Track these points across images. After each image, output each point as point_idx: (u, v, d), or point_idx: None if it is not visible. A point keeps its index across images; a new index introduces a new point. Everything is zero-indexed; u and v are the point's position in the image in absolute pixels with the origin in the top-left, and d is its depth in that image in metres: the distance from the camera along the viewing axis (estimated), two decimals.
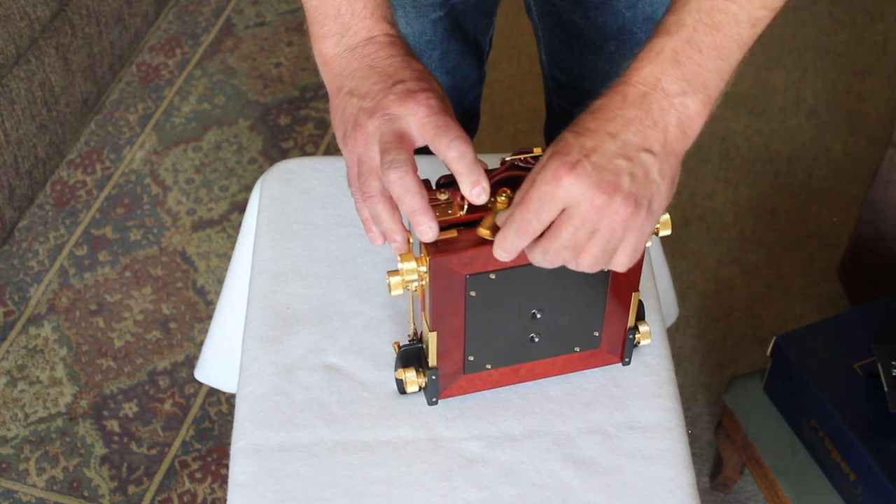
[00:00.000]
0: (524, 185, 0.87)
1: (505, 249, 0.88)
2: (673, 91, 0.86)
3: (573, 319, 1.00)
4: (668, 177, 0.87)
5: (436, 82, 0.92)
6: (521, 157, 0.93)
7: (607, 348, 1.05)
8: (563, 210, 0.85)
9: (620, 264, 0.88)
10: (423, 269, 0.92)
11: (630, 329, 1.04)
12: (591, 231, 0.85)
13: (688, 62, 0.86)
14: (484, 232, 0.91)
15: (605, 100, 0.87)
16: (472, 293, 0.94)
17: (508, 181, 0.92)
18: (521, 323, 0.99)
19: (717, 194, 2.10)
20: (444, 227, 0.91)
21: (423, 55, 1.27)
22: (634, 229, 0.86)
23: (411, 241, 0.93)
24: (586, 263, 0.87)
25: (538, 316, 0.99)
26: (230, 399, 1.81)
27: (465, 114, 1.40)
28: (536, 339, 1.01)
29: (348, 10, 0.93)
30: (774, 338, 1.45)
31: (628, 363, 1.07)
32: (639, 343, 1.05)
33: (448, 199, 0.92)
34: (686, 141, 0.87)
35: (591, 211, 0.84)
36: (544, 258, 0.87)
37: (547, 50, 1.37)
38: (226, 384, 1.39)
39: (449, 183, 0.93)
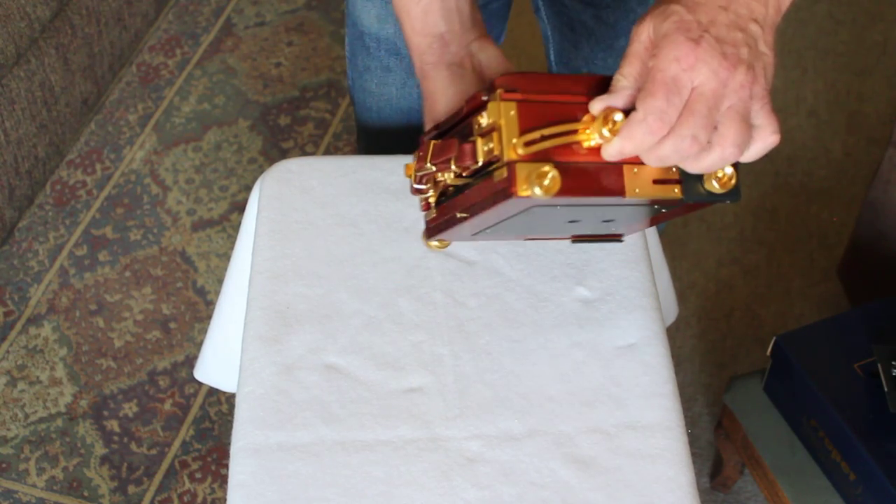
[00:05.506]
0: (628, 69, 0.83)
1: (626, 151, 0.82)
2: None
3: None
4: (771, 47, 0.85)
5: None
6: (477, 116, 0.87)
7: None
8: (692, 90, 0.81)
9: (771, 130, 0.83)
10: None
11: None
12: (721, 107, 0.81)
13: None
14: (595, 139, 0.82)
15: None
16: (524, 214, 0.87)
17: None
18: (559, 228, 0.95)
19: None
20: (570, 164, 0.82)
21: None
22: (758, 97, 0.82)
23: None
24: (730, 145, 0.81)
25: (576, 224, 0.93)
26: (230, 399, 1.81)
27: None
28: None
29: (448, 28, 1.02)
30: (774, 338, 1.45)
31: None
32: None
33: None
34: (778, 17, 0.87)
35: (719, 86, 0.80)
36: (677, 149, 0.80)
37: (556, 50, 1.37)
38: (226, 384, 1.39)
39: (440, 135, 0.91)
